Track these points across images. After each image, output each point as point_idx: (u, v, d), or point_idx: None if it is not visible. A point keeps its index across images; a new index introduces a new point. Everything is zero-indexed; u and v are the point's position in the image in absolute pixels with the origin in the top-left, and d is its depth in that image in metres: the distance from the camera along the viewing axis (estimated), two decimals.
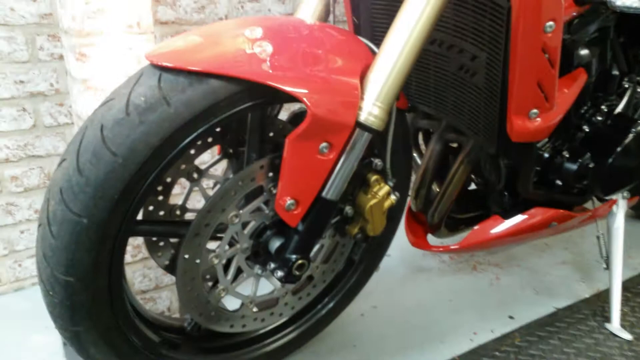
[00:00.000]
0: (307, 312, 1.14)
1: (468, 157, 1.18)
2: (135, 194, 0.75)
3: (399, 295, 1.45)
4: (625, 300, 1.41)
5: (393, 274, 1.54)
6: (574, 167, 1.09)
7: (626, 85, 1.10)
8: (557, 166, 1.10)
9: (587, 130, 1.09)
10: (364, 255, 1.16)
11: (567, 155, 1.09)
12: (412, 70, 1.12)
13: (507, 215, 1.18)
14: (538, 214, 1.20)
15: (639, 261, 1.63)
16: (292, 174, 0.82)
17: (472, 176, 1.29)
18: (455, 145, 1.26)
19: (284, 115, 1.01)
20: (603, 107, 1.10)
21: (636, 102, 1.12)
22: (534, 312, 1.37)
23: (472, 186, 1.34)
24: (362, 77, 0.84)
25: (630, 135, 1.07)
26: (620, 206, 1.32)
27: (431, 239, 1.28)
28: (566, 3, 0.80)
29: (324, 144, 0.81)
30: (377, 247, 1.18)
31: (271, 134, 0.95)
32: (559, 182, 1.12)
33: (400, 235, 1.24)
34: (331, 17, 0.97)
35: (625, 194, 1.33)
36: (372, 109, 0.82)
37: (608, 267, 1.33)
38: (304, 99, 0.77)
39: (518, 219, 1.19)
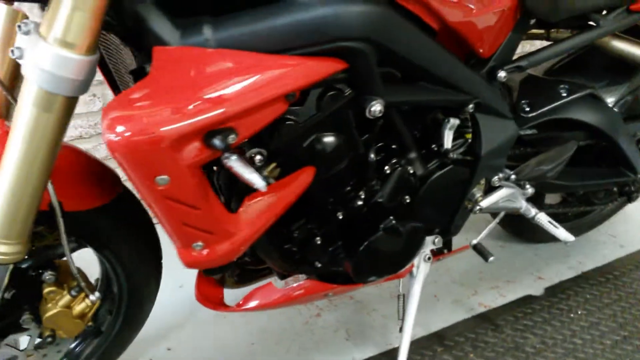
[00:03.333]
0: None
1: None
2: None
3: (203, 336, 1.39)
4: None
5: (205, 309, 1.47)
6: (326, 253, 0.99)
7: (388, 171, 0.96)
8: (312, 249, 1.00)
9: (341, 217, 0.97)
10: (113, 323, 1.10)
11: (319, 242, 0.98)
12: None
13: (282, 282, 1.11)
14: (310, 287, 1.12)
15: (479, 300, 1.55)
16: None
17: None
18: None
19: None
20: (361, 193, 0.96)
21: (400, 186, 0.98)
22: None
23: None
24: None
25: (381, 229, 0.95)
26: (421, 270, 1.22)
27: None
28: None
29: None
30: (133, 313, 1.11)
31: None
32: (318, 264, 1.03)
33: None
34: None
35: (428, 257, 1.23)
36: None
37: (401, 330, 1.26)
38: None
39: (291, 289, 1.12)
